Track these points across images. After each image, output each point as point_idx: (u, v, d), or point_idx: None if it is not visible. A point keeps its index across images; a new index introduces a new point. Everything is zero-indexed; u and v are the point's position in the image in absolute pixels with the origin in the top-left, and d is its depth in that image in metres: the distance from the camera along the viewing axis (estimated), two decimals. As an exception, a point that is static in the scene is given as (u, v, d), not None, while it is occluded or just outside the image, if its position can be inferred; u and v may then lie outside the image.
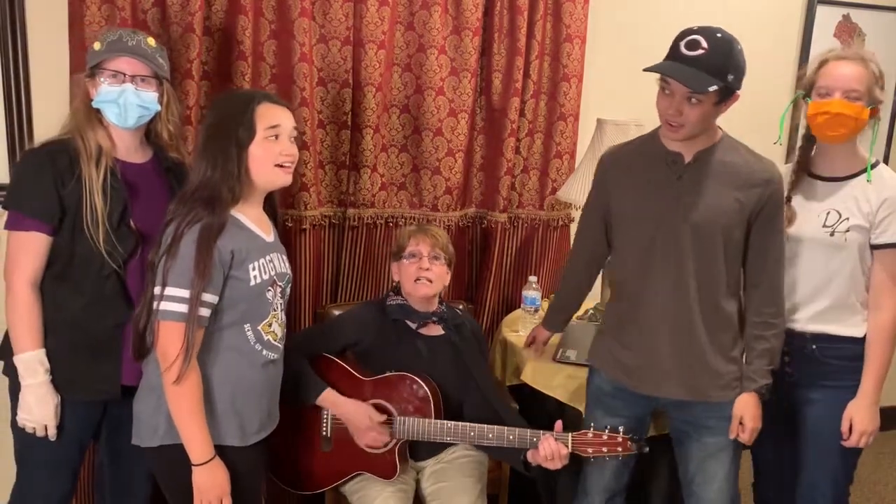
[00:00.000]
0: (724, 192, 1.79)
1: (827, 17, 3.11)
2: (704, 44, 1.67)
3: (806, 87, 1.94)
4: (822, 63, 1.90)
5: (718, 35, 1.70)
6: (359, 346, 2.17)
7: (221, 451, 1.70)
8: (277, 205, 1.90)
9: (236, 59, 2.30)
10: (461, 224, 2.73)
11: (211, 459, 1.66)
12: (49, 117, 1.94)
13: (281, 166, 1.72)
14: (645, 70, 1.71)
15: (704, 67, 1.66)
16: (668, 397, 1.92)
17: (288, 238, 2.46)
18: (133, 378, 1.77)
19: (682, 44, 1.70)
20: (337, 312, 2.49)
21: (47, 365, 1.74)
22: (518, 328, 2.60)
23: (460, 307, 2.44)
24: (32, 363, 1.72)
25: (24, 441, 1.79)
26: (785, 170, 2.03)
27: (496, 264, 2.76)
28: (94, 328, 1.77)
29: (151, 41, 1.80)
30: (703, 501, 1.98)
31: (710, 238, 1.80)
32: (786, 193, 1.94)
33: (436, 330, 2.20)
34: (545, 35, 2.66)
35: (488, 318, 2.78)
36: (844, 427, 1.92)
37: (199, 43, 2.24)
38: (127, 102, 1.75)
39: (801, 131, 2.01)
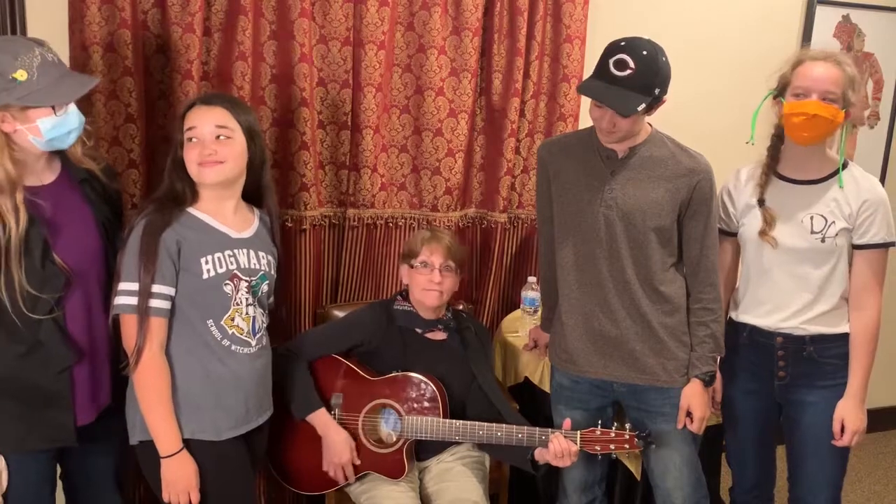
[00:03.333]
0: (653, 185, 1.91)
1: (827, 18, 3.11)
2: (632, 64, 1.76)
3: (780, 87, 1.94)
4: (798, 63, 1.90)
5: (644, 53, 1.78)
6: (364, 348, 2.18)
7: (195, 445, 1.72)
8: (271, 202, 1.92)
9: (236, 59, 2.30)
10: (461, 224, 2.73)
11: (178, 452, 1.69)
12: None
13: (202, 165, 1.73)
14: (578, 91, 1.87)
15: (632, 87, 1.77)
16: (618, 381, 2.00)
17: (288, 238, 2.46)
18: (88, 417, 1.72)
19: (611, 63, 1.78)
20: (337, 312, 2.50)
21: None
22: (517, 329, 2.61)
23: (461, 307, 2.44)
24: None
25: None
26: (749, 170, 2.05)
27: (496, 264, 2.76)
28: (35, 377, 1.63)
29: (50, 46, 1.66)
30: (663, 492, 2.04)
31: (642, 227, 1.91)
32: (758, 196, 1.98)
33: (441, 335, 2.21)
34: (545, 36, 2.66)
35: (488, 318, 2.78)
36: (836, 427, 1.94)
37: (199, 43, 2.23)
38: (80, 124, 1.66)
39: (772, 130, 2.01)
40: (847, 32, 3.16)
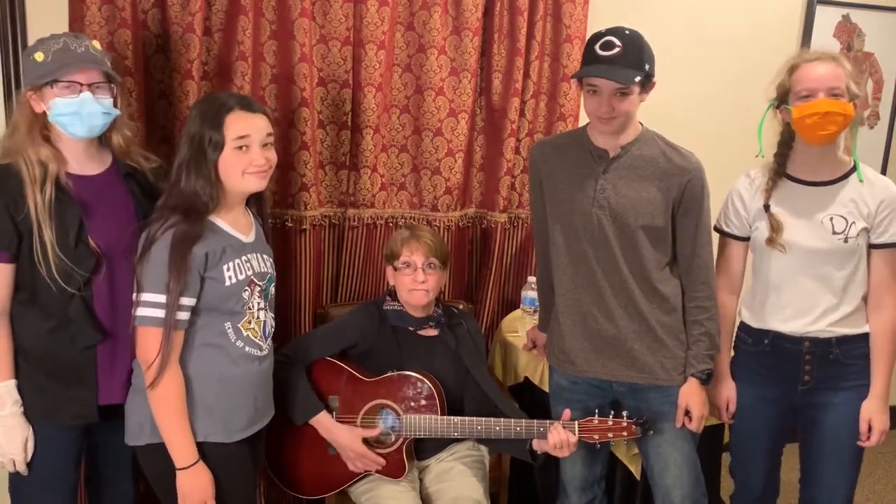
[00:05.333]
0: (644, 184, 1.92)
1: (827, 18, 3.11)
2: (618, 42, 1.81)
3: (780, 96, 1.93)
4: (795, 68, 1.90)
5: (627, 32, 1.83)
6: (358, 348, 2.18)
7: (206, 447, 1.72)
8: (265, 205, 1.92)
9: (236, 59, 2.30)
10: (461, 224, 2.73)
11: (194, 464, 1.69)
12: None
13: (251, 174, 1.73)
14: (572, 77, 1.92)
15: (624, 63, 1.80)
16: (617, 380, 2.01)
17: (288, 238, 2.47)
18: (112, 397, 1.76)
19: (597, 47, 1.82)
20: (337, 312, 2.49)
21: (16, 396, 1.70)
22: (517, 329, 2.61)
23: (460, 307, 2.44)
24: (1, 395, 1.68)
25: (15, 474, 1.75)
26: (760, 173, 2.01)
27: (496, 264, 2.76)
28: (63, 352, 1.72)
29: (97, 44, 1.75)
30: (662, 490, 2.03)
31: (633, 227, 1.91)
32: (763, 202, 1.97)
33: (433, 331, 2.21)
34: (545, 35, 2.66)
35: (488, 318, 2.78)
36: (864, 427, 1.94)
37: (199, 43, 2.24)
38: (89, 112, 1.68)
39: (778, 138, 1.99)
40: (847, 32, 3.16)
